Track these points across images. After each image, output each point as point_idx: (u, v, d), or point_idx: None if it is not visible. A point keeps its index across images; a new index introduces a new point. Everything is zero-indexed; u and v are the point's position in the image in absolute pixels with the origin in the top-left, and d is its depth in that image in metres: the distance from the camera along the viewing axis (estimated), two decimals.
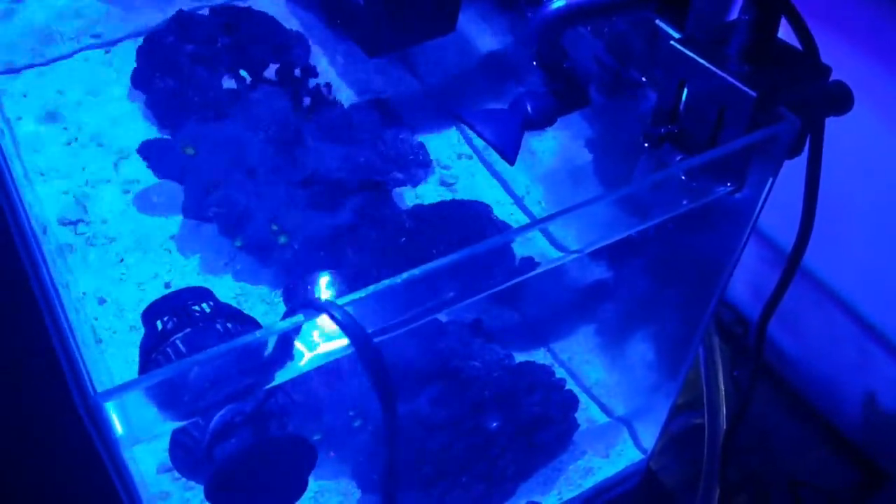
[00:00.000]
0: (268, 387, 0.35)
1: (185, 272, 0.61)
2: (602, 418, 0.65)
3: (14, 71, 0.74)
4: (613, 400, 0.65)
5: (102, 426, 0.30)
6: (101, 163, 0.68)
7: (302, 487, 0.38)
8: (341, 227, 0.57)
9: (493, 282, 0.40)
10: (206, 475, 0.36)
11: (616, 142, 0.61)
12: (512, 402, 0.58)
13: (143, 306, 0.44)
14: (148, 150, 0.62)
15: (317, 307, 0.33)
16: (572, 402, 0.59)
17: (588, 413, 0.64)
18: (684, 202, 0.45)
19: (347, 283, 0.51)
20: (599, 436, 0.64)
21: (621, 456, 0.64)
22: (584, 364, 0.66)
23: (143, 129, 0.69)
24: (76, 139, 0.69)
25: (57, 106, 0.72)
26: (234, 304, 0.49)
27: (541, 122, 0.50)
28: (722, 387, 0.74)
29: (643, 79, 0.53)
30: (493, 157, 0.64)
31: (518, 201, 0.61)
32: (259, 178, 0.58)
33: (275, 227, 0.56)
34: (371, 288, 0.35)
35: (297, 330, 0.34)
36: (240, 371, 0.34)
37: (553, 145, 0.63)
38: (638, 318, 0.65)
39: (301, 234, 0.57)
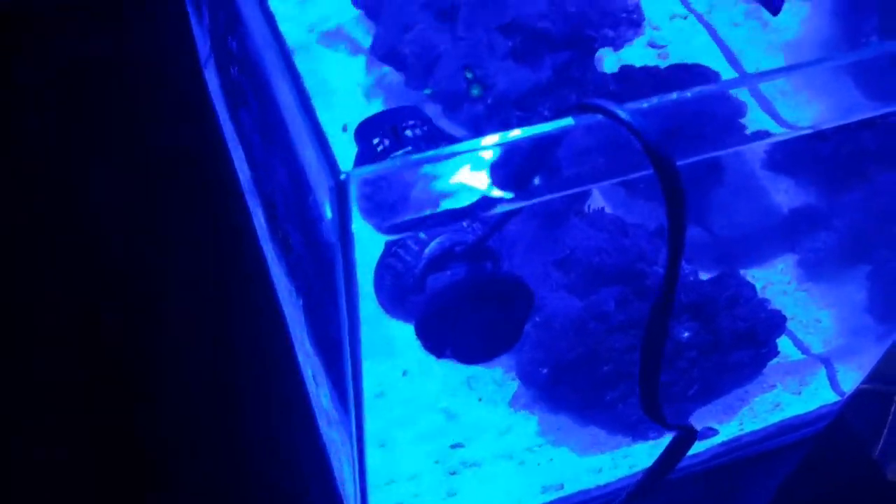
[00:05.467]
0: (509, 208, 0.29)
1: None
2: (796, 354, 0.56)
3: None
4: (812, 337, 0.57)
5: (345, 202, 0.25)
6: None
7: (516, 336, 0.33)
8: (539, 86, 0.50)
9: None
10: (418, 306, 0.31)
11: (869, 22, 0.51)
12: (710, 314, 0.50)
13: None
14: None
15: (598, 107, 0.26)
16: (778, 324, 0.51)
17: (780, 347, 0.56)
18: None
19: None
20: (793, 371, 0.56)
21: (815, 396, 0.56)
22: (780, 295, 0.58)
23: None
24: None
25: None
26: None
27: None
28: None
29: None
30: (715, 18, 0.54)
31: (745, 77, 0.50)
32: (458, 22, 0.51)
33: (469, 76, 0.50)
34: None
35: (560, 137, 0.28)
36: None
37: (787, 18, 0.53)
38: (856, 249, 0.56)
39: (495, 88, 0.50)
